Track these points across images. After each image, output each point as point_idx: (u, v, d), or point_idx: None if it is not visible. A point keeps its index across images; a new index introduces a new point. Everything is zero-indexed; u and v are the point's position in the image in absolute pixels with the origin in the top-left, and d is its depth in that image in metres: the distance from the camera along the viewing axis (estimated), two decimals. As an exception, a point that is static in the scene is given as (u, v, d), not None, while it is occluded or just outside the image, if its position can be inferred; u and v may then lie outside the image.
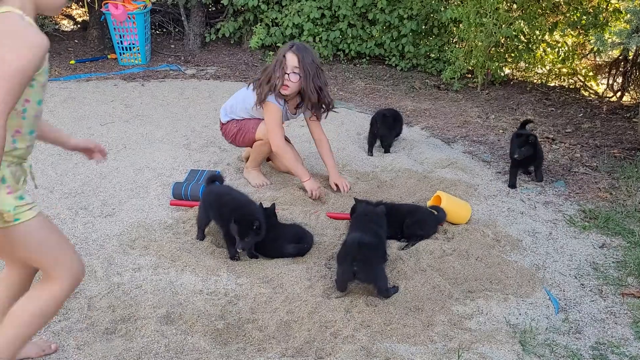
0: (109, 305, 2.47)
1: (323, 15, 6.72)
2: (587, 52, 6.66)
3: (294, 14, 6.71)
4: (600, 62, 6.64)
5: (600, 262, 3.00)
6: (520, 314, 2.53)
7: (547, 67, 6.75)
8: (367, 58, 7.02)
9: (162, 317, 2.39)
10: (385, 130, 4.29)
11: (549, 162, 4.29)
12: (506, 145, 4.61)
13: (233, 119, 3.72)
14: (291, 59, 3.41)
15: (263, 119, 3.61)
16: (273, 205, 3.11)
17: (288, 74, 3.42)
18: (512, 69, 6.81)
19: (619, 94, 6.17)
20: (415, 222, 3.13)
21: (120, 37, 6.52)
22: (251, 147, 3.73)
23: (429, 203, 3.35)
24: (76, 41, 7.31)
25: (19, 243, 1.80)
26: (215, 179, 3.24)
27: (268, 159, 3.98)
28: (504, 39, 6.00)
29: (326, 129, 4.55)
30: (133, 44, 6.55)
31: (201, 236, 3.07)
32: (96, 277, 2.67)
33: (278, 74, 3.42)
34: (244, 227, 2.75)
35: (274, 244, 2.94)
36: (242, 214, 2.80)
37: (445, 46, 6.66)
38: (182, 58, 6.99)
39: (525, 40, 6.28)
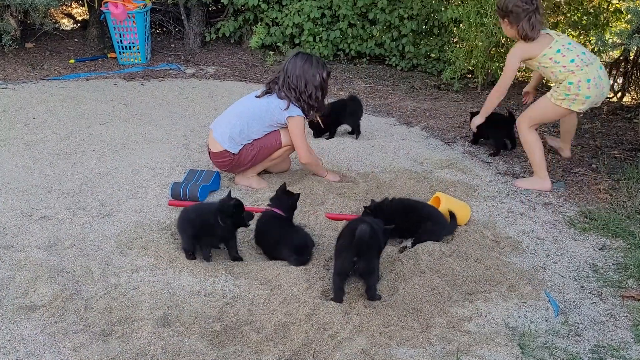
0: (106, 306, 2.46)
1: (323, 15, 6.71)
2: (587, 53, 6.63)
3: (294, 14, 6.70)
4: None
5: (600, 264, 2.98)
6: (519, 317, 2.52)
7: (548, 68, 6.72)
8: (367, 58, 7.00)
9: (159, 319, 2.38)
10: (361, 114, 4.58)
11: (549, 162, 4.27)
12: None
13: (245, 145, 3.56)
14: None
15: (279, 129, 3.60)
16: (298, 195, 3.11)
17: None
18: (513, 69, 6.78)
19: (619, 94, 6.14)
20: (436, 229, 3.09)
21: (120, 36, 6.51)
22: (264, 159, 3.65)
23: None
24: (76, 40, 7.31)
25: None
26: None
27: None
28: (504, 39, 5.98)
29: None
30: (133, 43, 6.54)
31: None
32: (93, 278, 2.65)
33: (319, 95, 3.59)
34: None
35: (279, 248, 2.93)
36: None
37: (446, 46, 6.64)
38: (182, 57, 6.98)
39: (526, 41, 6.25)
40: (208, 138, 3.67)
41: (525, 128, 3.79)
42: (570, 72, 3.59)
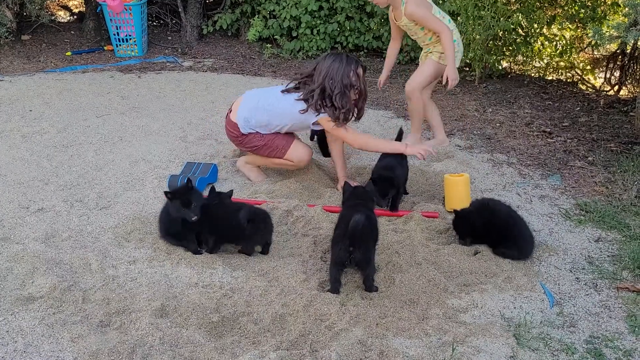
0: (104, 298, 2.47)
1: (321, 8, 6.69)
2: (584, 46, 6.64)
3: (291, 6, 6.68)
4: (598, 56, 6.62)
5: (596, 256, 3.00)
6: (515, 308, 2.54)
7: (545, 61, 6.73)
8: (365, 51, 6.99)
9: (157, 310, 2.39)
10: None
11: (545, 155, 4.29)
12: (503, 139, 4.61)
13: (257, 132, 3.50)
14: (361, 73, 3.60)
15: (291, 137, 3.53)
16: (231, 191, 3.01)
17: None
18: (510, 63, 6.80)
19: (616, 87, 6.16)
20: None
21: (117, 29, 6.49)
22: (264, 155, 3.59)
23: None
24: (72, 32, 7.28)
25: None
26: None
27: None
28: (502, 32, 5.98)
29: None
30: (130, 36, 6.52)
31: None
32: (91, 270, 2.66)
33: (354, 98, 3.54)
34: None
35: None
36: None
37: (443, 39, 6.63)
38: (179, 50, 6.96)
39: (523, 34, 6.26)
40: (234, 102, 3.60)
41: (418, 94, 4.02)
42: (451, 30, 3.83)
